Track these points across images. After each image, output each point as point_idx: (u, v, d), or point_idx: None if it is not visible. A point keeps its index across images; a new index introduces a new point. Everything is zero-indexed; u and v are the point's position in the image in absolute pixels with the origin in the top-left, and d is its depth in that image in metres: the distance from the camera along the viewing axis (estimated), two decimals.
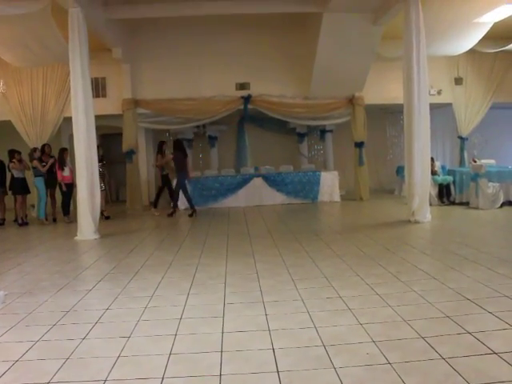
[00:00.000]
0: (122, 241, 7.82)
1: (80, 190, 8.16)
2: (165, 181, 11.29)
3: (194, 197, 11.90)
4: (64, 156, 10.30)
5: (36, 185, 10.39)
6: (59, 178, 10.19)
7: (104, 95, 12.04)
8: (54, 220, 10.48)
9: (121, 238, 8.08)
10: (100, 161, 10.52)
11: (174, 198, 10.82)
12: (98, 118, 8.56)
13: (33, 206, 11.09)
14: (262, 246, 6.73)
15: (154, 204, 11.22)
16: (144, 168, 13.01)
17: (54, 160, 10.41)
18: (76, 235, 8.11)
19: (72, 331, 3.65)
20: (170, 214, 10.60)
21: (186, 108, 12.00)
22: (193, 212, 10.58)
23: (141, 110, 12.03)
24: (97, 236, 8.12)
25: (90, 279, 5.35)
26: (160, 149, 11.15)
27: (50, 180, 10.43)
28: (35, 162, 10.29)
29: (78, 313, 4.12)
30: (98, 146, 10.59)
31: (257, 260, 5.85)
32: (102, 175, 10.54)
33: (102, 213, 10.50)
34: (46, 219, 10.33)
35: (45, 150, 10.61)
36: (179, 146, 10.65)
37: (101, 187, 10.44)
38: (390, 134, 16.02)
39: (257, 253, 6.30)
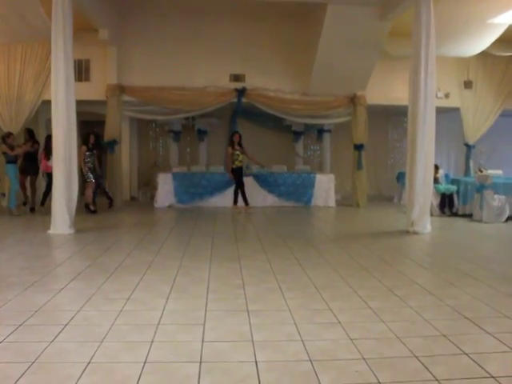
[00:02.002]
0: (99, 237, 7.78)
1: (56, 179, 8.06)
2: (238, 175, 11.10)
3: (179, 193, 11.94)
4: (51, 144, 10.25)
5: (7, 172, 10.30)
6: (43, 167, 10.17)
7: (87, 79, 11.95)
8: (33, 209, 10.45)
9: (97, 234, 8.03)
10: (90, 150, 10.56)
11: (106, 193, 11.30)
12: (79, 103, 8.49)
13: (3, 194, 11.00)
14: (250, 251, 6.73)
15: (235, 200, 11.26)
16: (126, 160, 12.98)
17: (30, 147, 10.40)
18: (49, 229, 8.05)
19: (40, 333, 3.62)
20: (109, 206, 11.13)
21: (175, 98, 11.96)
22: (110, 203, 11.16)
23: (126, 98, 11.96)
24: (72, 231, 8.06)
25: (61, 277, 5.31)
26: (231, 141, 11.11)
27: (31, 167, 10.36)
28: (4, 147, 10.19)
29: (47, 313, 4.09)
30: (89, 134, 10.71)
31: (243, 265, 5.86)
32: (92, 165, 10.59)
33: (88, 206, 10.54)
34: (30, 209, 10.39)
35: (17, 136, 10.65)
36: (96, 142, 10.85)
37: (89, 178, 10.51)
38: (392, 138, 16.12)
39: (243, 257, 6.31)
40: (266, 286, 4.97)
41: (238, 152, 11.04)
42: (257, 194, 12.12)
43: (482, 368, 3.06)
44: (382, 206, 12.55)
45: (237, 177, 11.12)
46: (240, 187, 11.20)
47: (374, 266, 5.90)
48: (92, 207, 10.55)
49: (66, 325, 3.79)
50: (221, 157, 14.53)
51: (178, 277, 5.30)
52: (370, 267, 5.80)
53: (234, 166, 11.05)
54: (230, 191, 12.02)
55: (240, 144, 11.12)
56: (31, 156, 10.50)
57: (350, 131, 12.58)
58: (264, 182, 12.22)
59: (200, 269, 5.66)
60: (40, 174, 10.86)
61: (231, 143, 11.13)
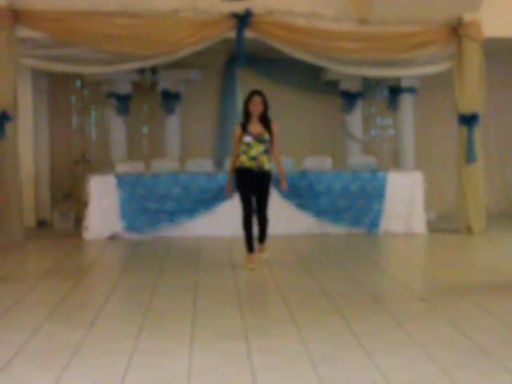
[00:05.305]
0: None
1: None
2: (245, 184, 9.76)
3: (129, 213, 11.94)
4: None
5: None
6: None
7: None
8: None
9: None
10: None
11: None
12: None
13: None
14: (265, 321, 6.79)
15: (247, 243, 9.82)
16: (29, 151, 13.00)
17: None
18: None
19: None
20: None
21: (119, 32, 12.03)
22: None
23: (25, 32, 12.02)
24: None
25: None
26: (245, 111, 9.75)
27: None
28: None
29: None
30: None
31: (253, 348, 5.82)
32: None
33: None
34: None
35: None
36: None
37: None
38: None
39: (254, 332, 6.30)
40: None
41: (249, 139, 9.55)
42: (276, 213, 11.97)
43: None
44: None
45: (242, 188, 9.77)
46: (246, 210, 9.80)
47: (503, 347, 5.86)
48: None
49: None
50: (207, 143, 14.57)
51: (130, 372, 5.25)
52: (497, 350, 5.73)
53: (240, 165, 9.68)
54: (226, 208, 12.00)
55: (265, 119, 9.71)
56: None
57: (453, 91, 12.54)
58: (289, 189, 12.04)
59: (172, 355, 5.64)
60: None
61: (245, 117, 9.84)
